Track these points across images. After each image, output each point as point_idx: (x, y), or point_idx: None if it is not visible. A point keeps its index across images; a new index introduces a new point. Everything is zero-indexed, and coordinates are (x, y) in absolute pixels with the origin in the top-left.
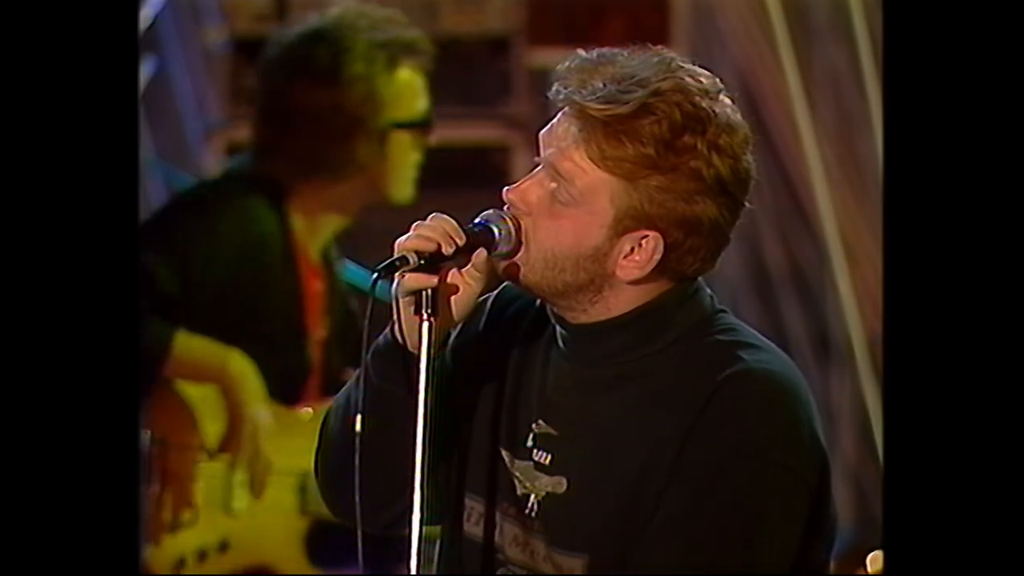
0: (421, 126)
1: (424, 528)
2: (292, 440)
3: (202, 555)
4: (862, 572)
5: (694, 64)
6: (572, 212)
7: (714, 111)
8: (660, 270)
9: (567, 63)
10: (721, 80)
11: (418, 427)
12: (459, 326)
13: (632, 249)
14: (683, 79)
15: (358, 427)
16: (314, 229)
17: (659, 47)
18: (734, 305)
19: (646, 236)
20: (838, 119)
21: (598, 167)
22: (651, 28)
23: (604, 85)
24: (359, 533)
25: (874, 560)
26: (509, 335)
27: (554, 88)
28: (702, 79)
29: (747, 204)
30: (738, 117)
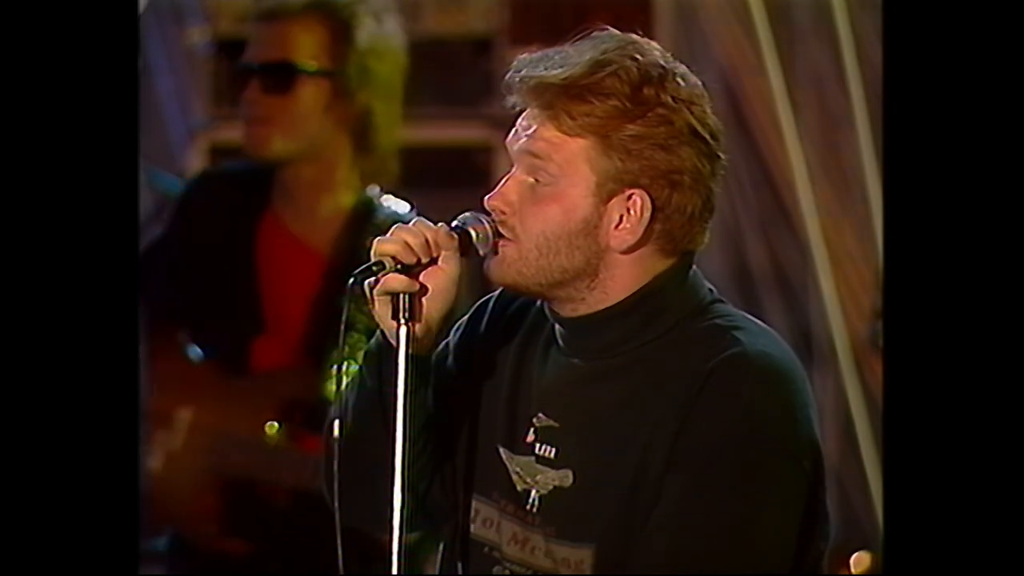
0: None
1: (429, 528)
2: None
3: None
4: (846, 572)
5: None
6: (555, 191)
7: (668, 66)
8: (652, 238)
9: (516, 61)
10: (705, 82)
11: (398, 429)
12: (459, 326)
13: (621, 217)
14: (629, 39)
15: (335, 432)
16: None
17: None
18: None
19: (632, 196)
20: (821, 120)
21: (569, 135)
22: (633, 28)
23: (553, 61)
24: (338, 537)
25: (858, 561)
26: (510, 335)
27: (511, 82)
28: (651, 44)
29: (721, 156)
30: (694, 79)
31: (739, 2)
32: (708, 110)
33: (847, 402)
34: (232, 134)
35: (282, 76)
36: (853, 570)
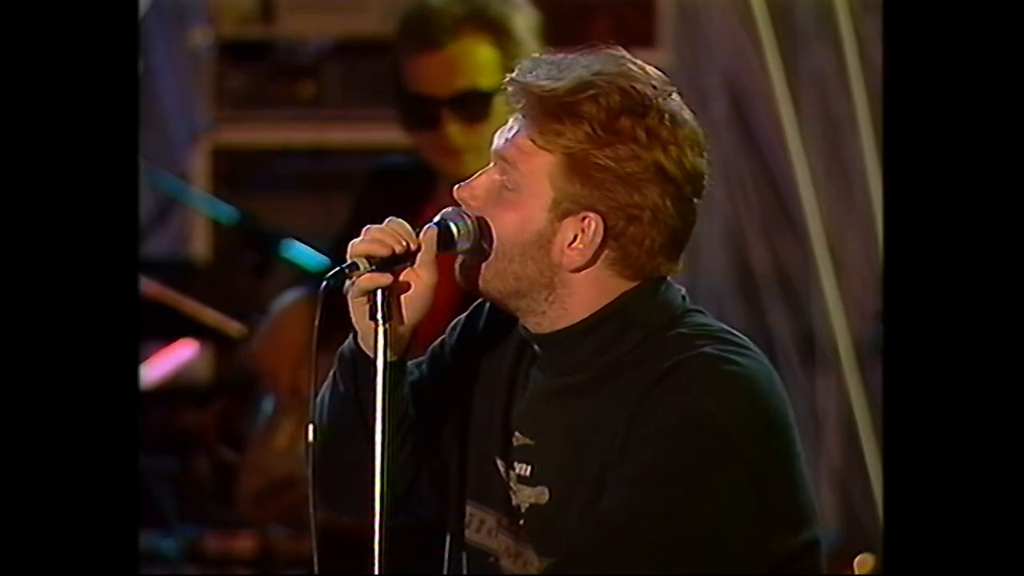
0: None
1: (413, 519)
2: None
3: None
4: (850, 574)
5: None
6: (516, 197)
7: (657, 100)
8: (605, 263)
9: (521, 63)
10: (707, 83)
11: (377, 433)
12: (457, 324)
13: (576, 237)
14: (628, 67)
15: (310, 437)
16: None
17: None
18: (719, 307)
19: (586, 218)
20: (824, 121)
21: (537, 146)
22: (636, 30)
23: (548, 69)
24: (314, 541)
25: (862, 564)
26: (503, 341)
27: (506, 81)
28: (650, 72)
29: (696, 200)
30: (687, 115)
31: (742, 3)
32: (690, 153)
33: (850, 405)
34: (234, 135)
35: (476, 104)
36: (857, 571)
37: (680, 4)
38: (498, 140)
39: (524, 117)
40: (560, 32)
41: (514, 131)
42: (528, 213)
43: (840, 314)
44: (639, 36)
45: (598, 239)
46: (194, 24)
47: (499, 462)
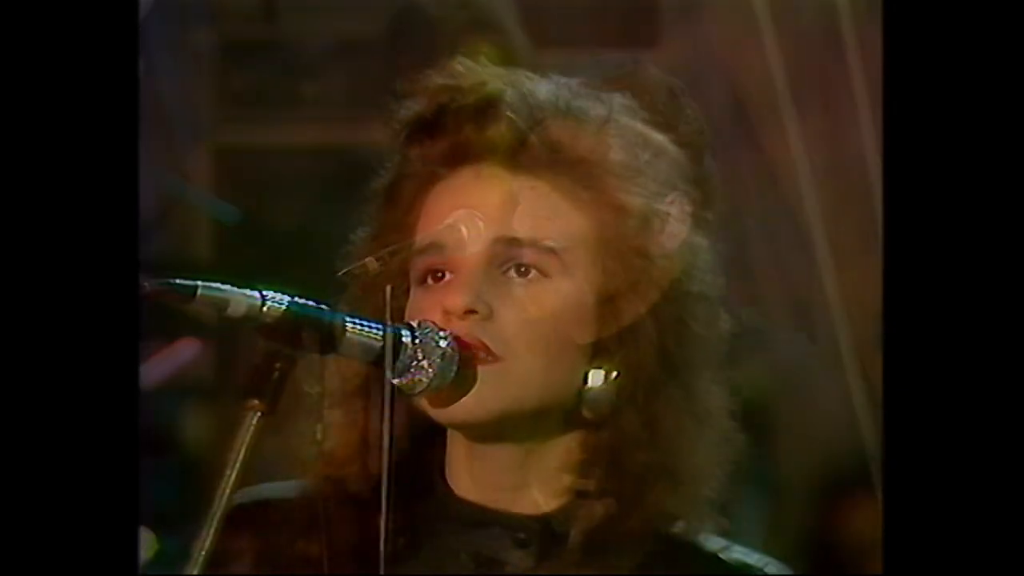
0: None
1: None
2: None
3: None
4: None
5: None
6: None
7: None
8: None
9: (515, 107)
10: (708, 83)
11: (383, 433)
12: None
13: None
14: (644, 67)
15: (318, 436)
16: None
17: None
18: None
19: (672, 200)
20: (826, 122)
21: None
22: (638, 31)
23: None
24: (322, 540)
25: None
26: None
27: None
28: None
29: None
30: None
31: (744, 4)
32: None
33: (852, 406)
34: (236, 136)
35: (487, 108)
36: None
37: (681, 4)
38: (525, 230)
39: (557, 177)
40: (560, 32)
41: (546, 207)
42: None
43: (843, 315)
44: (639, 36)
45: (687, 212)
46: (196, 24)
47: None
